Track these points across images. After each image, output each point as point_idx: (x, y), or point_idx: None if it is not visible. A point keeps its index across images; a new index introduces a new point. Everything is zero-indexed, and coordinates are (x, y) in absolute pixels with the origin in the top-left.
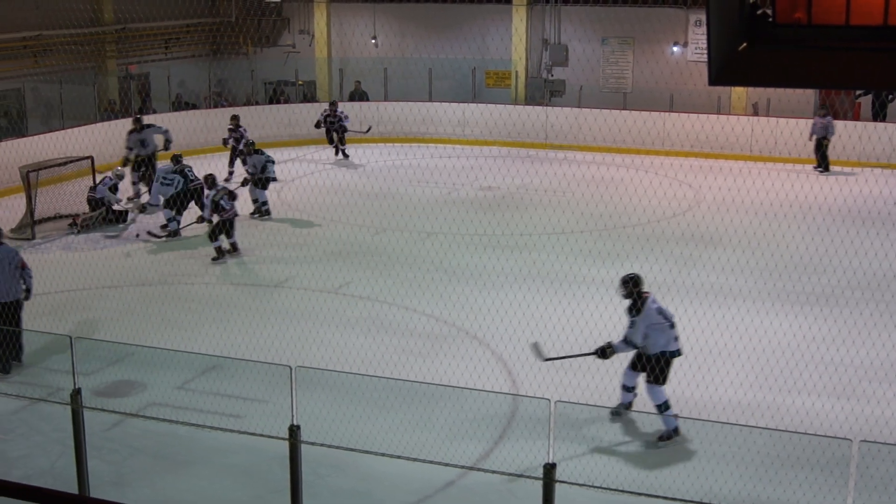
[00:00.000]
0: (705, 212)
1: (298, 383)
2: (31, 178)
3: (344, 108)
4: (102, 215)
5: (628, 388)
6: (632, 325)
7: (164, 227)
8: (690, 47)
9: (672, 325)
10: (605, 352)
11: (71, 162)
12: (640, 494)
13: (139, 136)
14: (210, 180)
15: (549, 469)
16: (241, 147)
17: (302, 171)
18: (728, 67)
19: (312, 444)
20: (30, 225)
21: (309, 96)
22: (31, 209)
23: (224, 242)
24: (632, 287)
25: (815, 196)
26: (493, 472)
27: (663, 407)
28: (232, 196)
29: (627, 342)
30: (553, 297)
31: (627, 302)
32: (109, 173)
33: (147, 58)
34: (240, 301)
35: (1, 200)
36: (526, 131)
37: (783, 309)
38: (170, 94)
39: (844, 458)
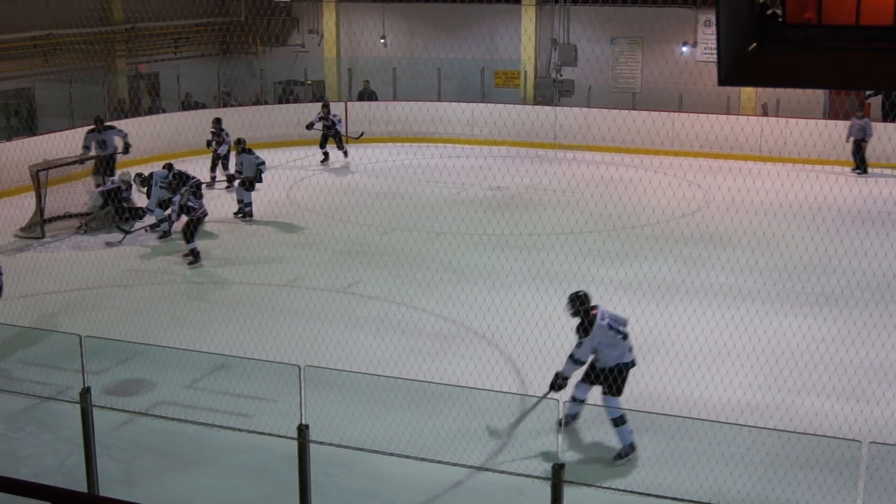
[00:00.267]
0: (714, 212)
1: (307, 383)
2: (40, 177)
3: (346, 108)
4: (111, 214)
5: (578, 400)
6: (579, 344)
7: (153, 227)
8: (700, 47)
9: (625, 337)
10: (556, 385)
11: (80, 161)
12: (648, 495)
13: (100, 137)
14: (175, 184)
15: (558, 469)
16: (219, 151)
17: (310, 170)
18: (738, 67)
19: (321, 443)
20: (39, 224)
21: (318, 96)
22: (40, 208)
23: (196, 243)
24: (579, 305)
25: (824, 197)
26: (502, 472)
27: (619, 421)
28: (197, 195)
29: (575, 361)
30: (562, 297)
31: (576, 320)
32: (115, 177)
33: (156, 57)
34: (249, 300)
35: (11, 199)
36: (535, 131)
37: (792, 310)
38: (179, 94)
39: (854, 459)
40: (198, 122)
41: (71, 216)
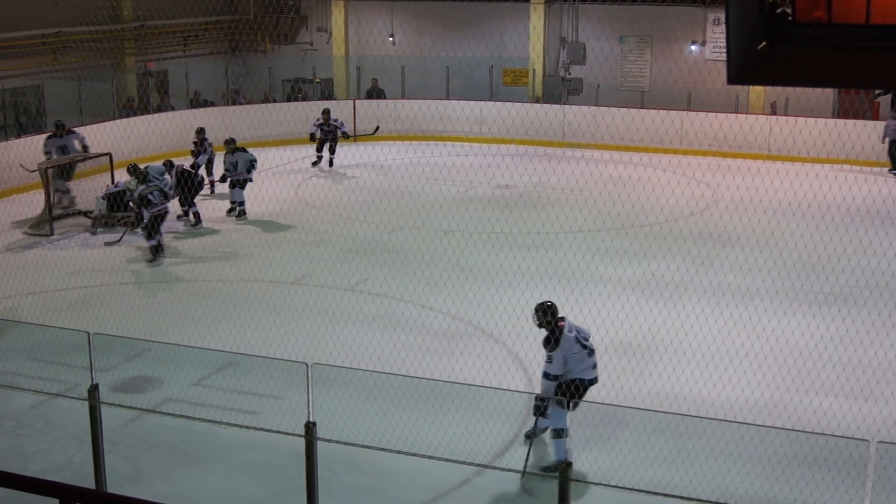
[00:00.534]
0: (723, 211)
1: (315, 380)
2: (49, 175)
3: (355, 106)
4: (128, 220)
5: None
6: (549, 359)
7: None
8: (708, 46)
9: (590, 353)
10: (540, 408)
11: (89, 158)
12: (655, 494)
13: (60, 142)
14: (142, 175)
15: (565, 468)
16: (198, 161)
17: (318, 168)
18: (747, 66)
19: (328, 440)
20: (48, 221)
21: (326, 94)
22: (49, 206)
23: (156, 241)
24: (549, 317)
25: (833, 196)
26: (509, 470)
27: (557, 434)
28: (164, 194)
29: (550, 377)
30: (570, 295)
31: (543, 332)
32: (122, 183)
33: (165, 55)
34: (256, 298)
35: (20, 197)
36: (543, 129)
37: (800, 309)
38: (188, 92)
39: (861, 458)
40: (206, 120)
41: (79, 213)
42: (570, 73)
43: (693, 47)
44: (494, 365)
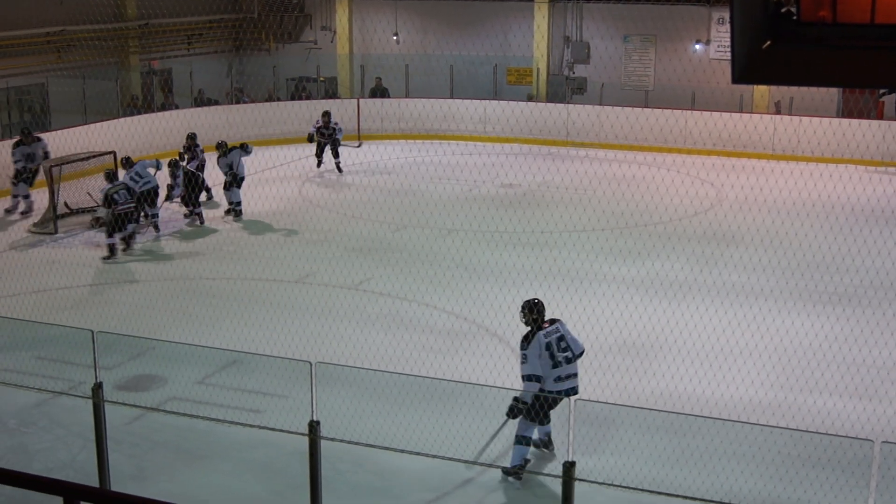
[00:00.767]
0: (727, 210)
1: (318, 379)
2: (53, 173)
3: (359, 105)
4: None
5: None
6: (523, 358)
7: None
8: (713, 45)
9: (557, 364)
10: (514, 409)
11: (93, 157)
12: (659, 493)
13: (28, 150)
14: (110, 175)
15: (569, 467)
16: (189, 166)
17: (322, 168)
18: (752, 65)
19: (332, 439)
20: (52, 219)
21: (330, 93)
22: (53, 204)
23: (115, 240)
24: (535, 314)
25: (837, 195)
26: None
27: (518, 439)
28: (130, 191)
29: (528, 379)
30: (574, 294)
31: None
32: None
33: (169, 53)
34: (260, 296)
35: None
36: (547, 128)
37: (805, 308)
38: (192, 90)
39: (866, 458)
40: (211, 119)
41: (83, 211)
42: (573, 73)
43: (697, 46)
44: (498, 364)
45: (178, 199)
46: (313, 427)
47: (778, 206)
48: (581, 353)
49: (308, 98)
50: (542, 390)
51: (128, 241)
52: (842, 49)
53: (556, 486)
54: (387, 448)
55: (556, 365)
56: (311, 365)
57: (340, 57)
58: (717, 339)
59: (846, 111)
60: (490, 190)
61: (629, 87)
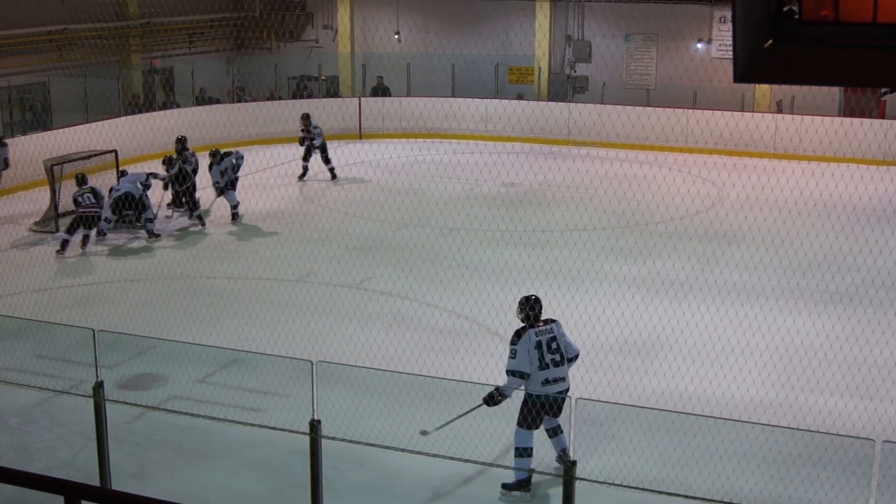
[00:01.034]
0: (728, 209)
1: (319, 378)
2: (55, 172)
3: (360, 104)
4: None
5: (552, 433)
6: (511, 353)
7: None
8: (714, 44)
9: (542, 367)
10: (492, 397)
11: (95, 155)
12: (659, 493)
13: (3, 155)
14: (78, 179)
15: (570, 466)
16: (173, 171)
17: (323, 166)
18: (753, 64)
19: (333, 438)
20: (53, 218)
21: (332, 91)
22: (55, 202)
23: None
24: (529, 311)
25: (839, 194)
26: (513, 468)
27: (521, 452)
28: (96, 195)
29: (512, 374)
30: (575, 293)
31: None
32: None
33: (171, 52)
34: (261, 295)
35: (25, 193)
36: (549, 127)
37: (806, 307)
38: (193, 89)
39: (867, 458)
40: (212, 118)
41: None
42: (575, 71)
43: (699, 45)
44: (499, 363)
45: (170, 202)
46: (314, 426)
47: (779, 205)
48: (575, 357)
49: (310, 97)
50: (528, 393)
51: (84, 241)
52: (843, 48)
53: (557, 486)
54: (388, 447)
55: (543, 367)
56: (311, 364)
57: (342, 56)
58: (719, 339)
59: (848, 110)
60: (491, 189)
61: (630, 85)
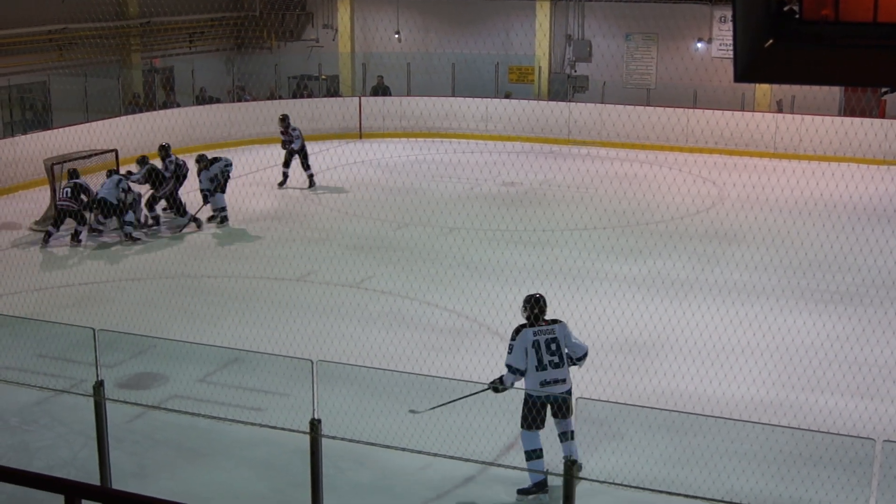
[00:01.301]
0: (729, 209)
1: (320, 377)
2: (55, 171)
3: (361, 103)
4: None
5: (563, 437)
6: (509, 349)
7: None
8: (715, 43)
9: (540, 367)
10: (494, 386)
11: (95, 155)
12: (660, 492)
13: None
14: (71, 172)
15: (570, 465)
16: (143, 170)
17: (324, 165)
18: (754, 64)
19: (333, 437)
20: (54, 217)
21: (332, 91)
22: (55, 202)
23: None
24: (535, 309)
25: (839, 194)
26: (514, 468)
27: (529, 455)
28: (78, 190)
29: (512, 370)
30: (575, 293)
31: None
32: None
33: (171, 52)
34: (261, 295)
35: (26, 193)
36: (549, 127)
37: (807, 307)
38: (193, 88)
39: (868, 457)
40: (212, 117)
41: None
42: (575, 71)
43: (699, 45)
44: (499, 362)
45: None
46: (314, 425)
47: (780, 204)
48: (584, 356)
49: (310, 96)
50: (527, 393)
51: (73, 237)
52: (844, 48)
53: (558, 485)
54: (388, 446)
55: (541, 368)
56: (312, 363)
57: (342, 55)
58: (719, 338)
59: (848, 110)
60: (491, 188)
61: (631, 85)
